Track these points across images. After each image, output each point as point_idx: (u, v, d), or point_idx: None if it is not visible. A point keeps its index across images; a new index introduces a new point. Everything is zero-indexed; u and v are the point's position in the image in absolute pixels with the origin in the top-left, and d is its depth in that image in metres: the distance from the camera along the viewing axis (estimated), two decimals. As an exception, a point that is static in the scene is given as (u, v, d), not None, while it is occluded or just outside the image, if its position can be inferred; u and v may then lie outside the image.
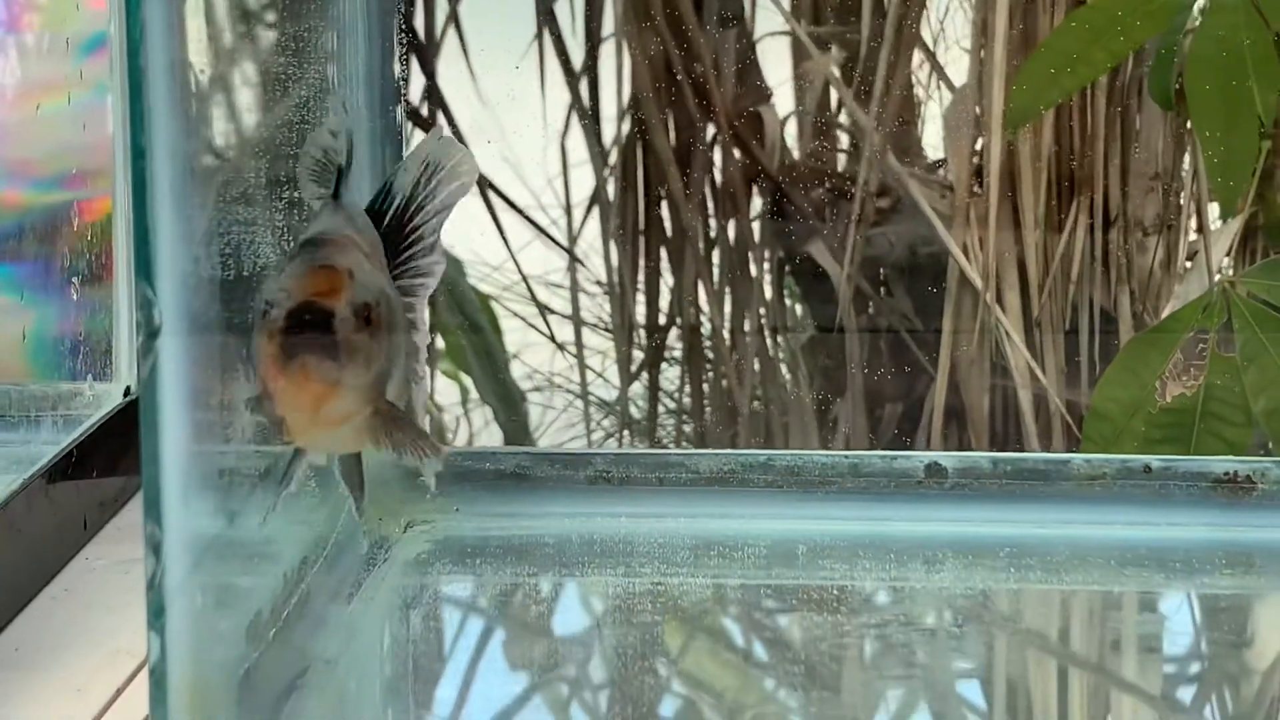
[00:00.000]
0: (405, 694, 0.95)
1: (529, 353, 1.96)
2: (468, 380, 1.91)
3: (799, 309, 2.00)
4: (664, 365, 2.01)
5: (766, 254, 1.96)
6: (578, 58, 1.85)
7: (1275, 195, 1.56)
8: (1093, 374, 1.75)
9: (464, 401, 1.95)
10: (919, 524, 1.13)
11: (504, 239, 1.81)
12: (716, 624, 1.02)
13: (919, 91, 2.04)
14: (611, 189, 1.90)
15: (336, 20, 1.06)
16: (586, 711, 0.91)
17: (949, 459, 1.15)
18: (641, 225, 1.90)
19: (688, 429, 2.02)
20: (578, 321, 1.92)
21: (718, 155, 1.90)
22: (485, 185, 1.83)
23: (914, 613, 1.01)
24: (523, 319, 1.92)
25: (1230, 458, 1.17)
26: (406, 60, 1.78)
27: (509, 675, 0.96)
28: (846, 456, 1.16)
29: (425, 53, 1.78)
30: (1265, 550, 1.11)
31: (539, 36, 1.82)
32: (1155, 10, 1.58)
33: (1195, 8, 1.58)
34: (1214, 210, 1.89)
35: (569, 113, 1.85)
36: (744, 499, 1.15)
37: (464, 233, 1.83)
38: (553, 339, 1.90)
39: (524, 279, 1.83)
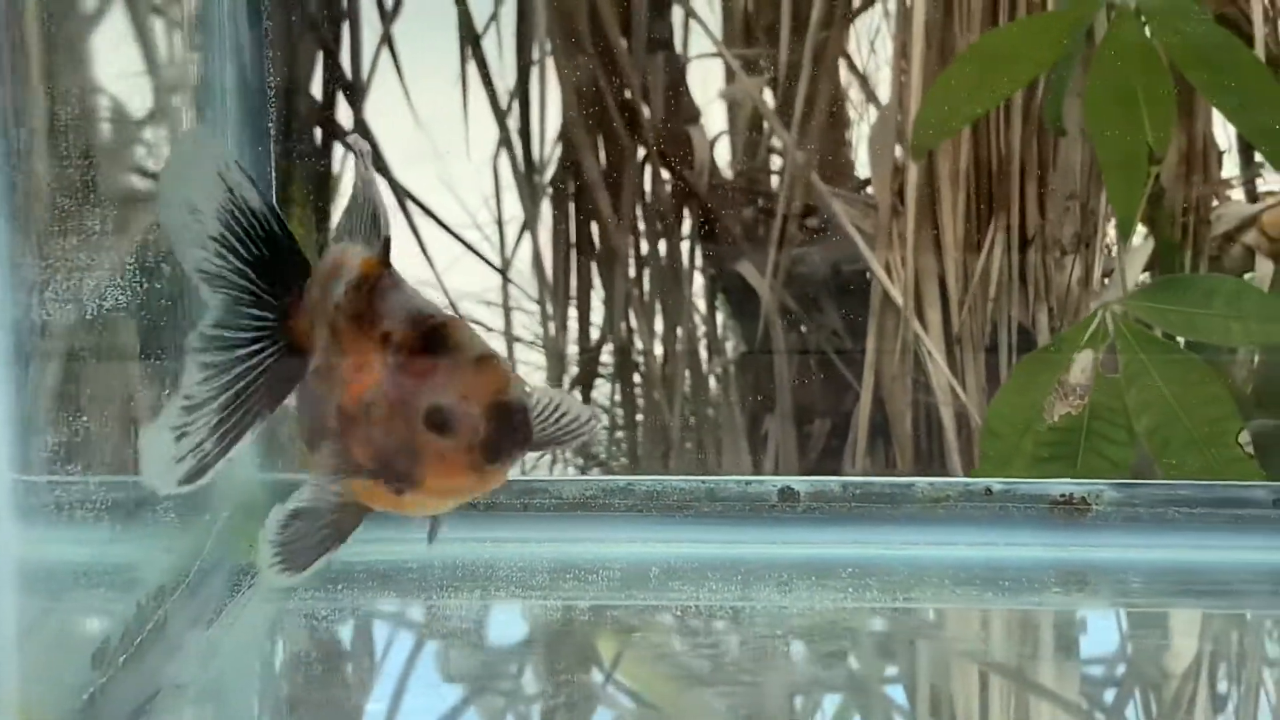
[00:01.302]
0: (254, 716, 0.99)
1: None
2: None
3: (729, 327, 2.04)
4: (597, 381, 2.05)
5: (696, 272, 2.00)
6: (508, 82, 1.89)
7: (1163, 218, 1.59)
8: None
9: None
10: (771, 546, 1.17)
11: (427, 257, 1.85)
12: (564, 644, 1.05)
13: (850, 112, 2.08)
14: (545, 209, 1.95)
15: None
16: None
17: (802, 484, 1.19)
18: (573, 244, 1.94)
19: (622, 443, 2.07)
20: (509, 338, 1.96)
21: (647, 176, 1.94)
22: (419, 206, 1.87)
23: (752, 632, 1.04)
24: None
25: (1067, 480, 1.21)
26: (333, 88, 1.83)
27: (356, 695, 1.00)
28: (704, 481, 1.20)
29: (354, 81, 1.82)
30: (1098, 569, 1.15)
31: (469, 60, 1.86)
32: (1052, 40, 1.61)
33: (1094, 33, 1.61)
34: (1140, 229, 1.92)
35: (499, 135, 1.89)
36: (604, 523, 1.19)
37: (400, 250, 1.87)
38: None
39: (445, 293, 1.87)
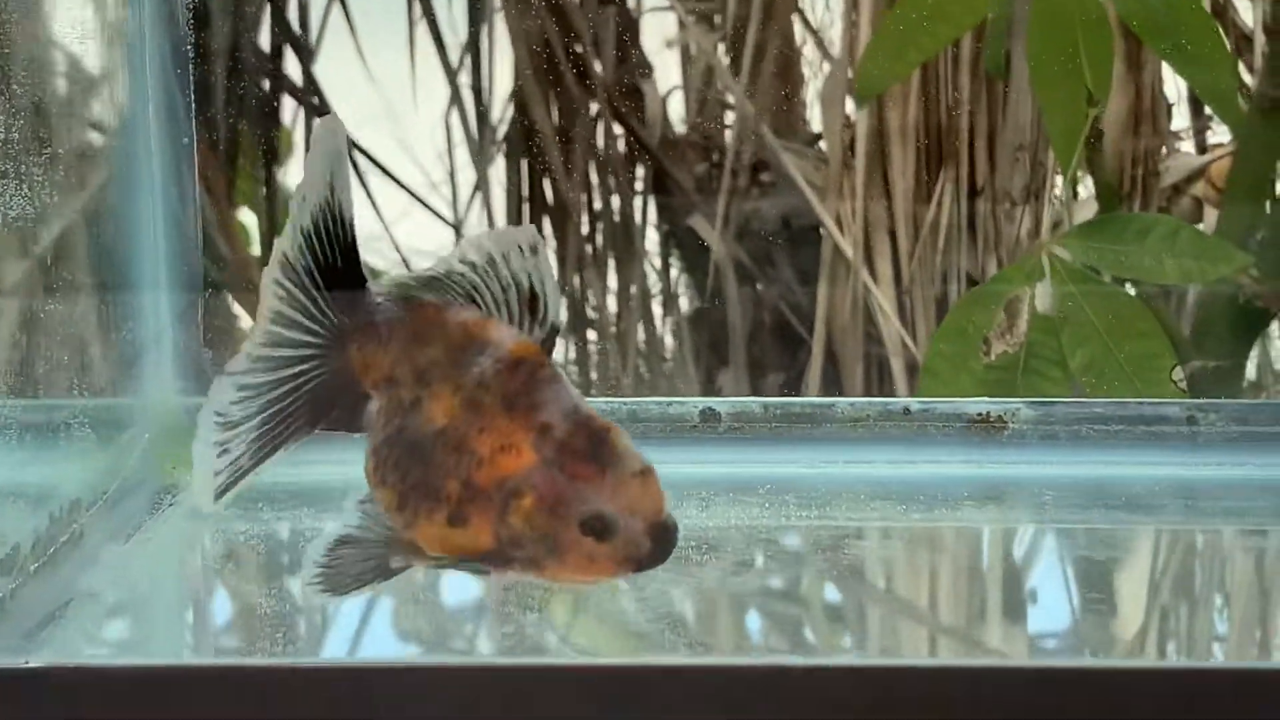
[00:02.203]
0: (165, 625, 0.99)
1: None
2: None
3: (682, 280, 2.05)
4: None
5: (649, 226, 2.00)
6: (460, 36, 1.90)
7: (1102, 161, 1.60)
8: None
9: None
10: (692, 466, 1.17)
11: (377, 211, 1.86)
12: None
13: (803, 67, 2.09)
14: (500, 165, 1.95)
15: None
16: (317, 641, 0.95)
17: (723, 404, 1.19)
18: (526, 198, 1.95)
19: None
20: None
21: (600, 130, 1.94)
22: (371, 161, 1.88)
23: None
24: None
25: (984, 399, 1.22)
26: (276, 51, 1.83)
27: (268, 608, 1.00)
28: (625, 403, 1.20)
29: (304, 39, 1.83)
30: (1013, 484, 1.16)
31: (422, 17, 1.87)
32: (992, -17, 1.62)
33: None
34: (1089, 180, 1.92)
35: (450, 92, 1.90)
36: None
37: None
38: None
39: (395, 246, 1.88)
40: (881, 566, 1.04)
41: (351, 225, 0.71)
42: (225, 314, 1.62)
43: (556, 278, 0.71)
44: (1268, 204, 1.59)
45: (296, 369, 0.73)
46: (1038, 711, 0.76)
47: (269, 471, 1.21)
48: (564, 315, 0.70)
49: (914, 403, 1.19)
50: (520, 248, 0.70)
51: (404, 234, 1.93)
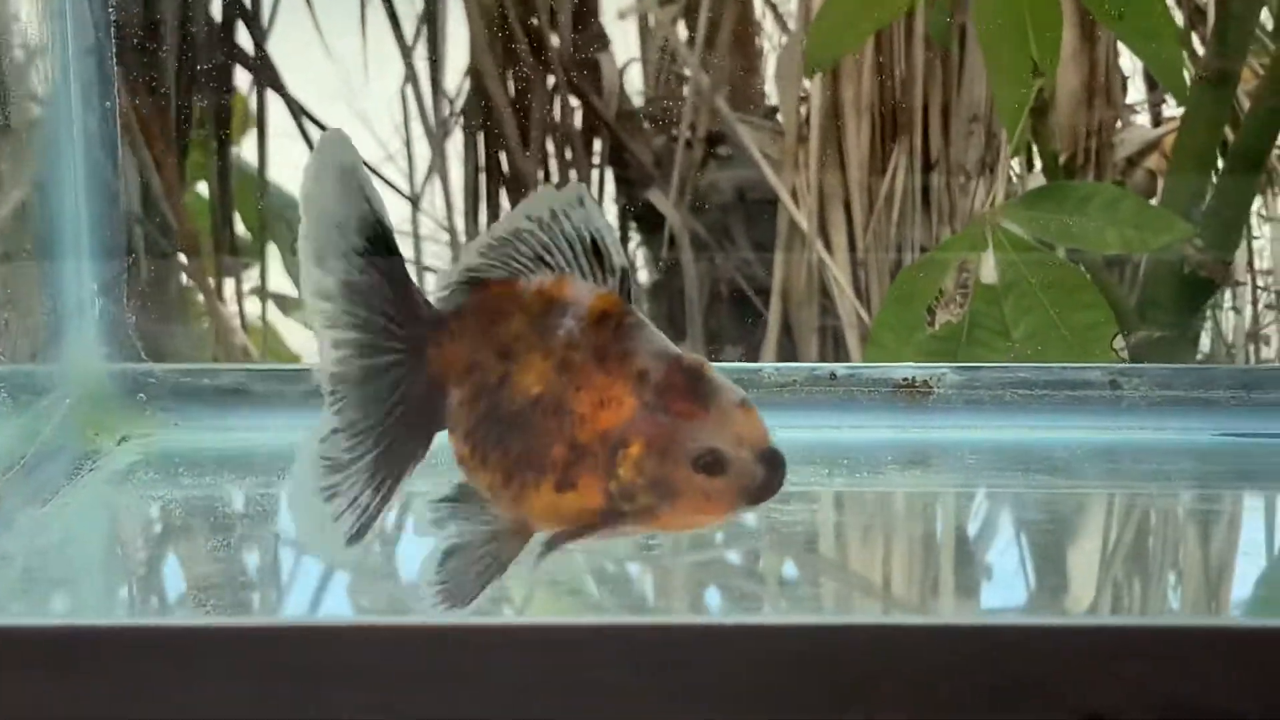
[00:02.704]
0: (79, 587, 0.99)
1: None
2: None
3: (640, 253, 2.05)
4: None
5: (606, 198, 2.00)
6: (417, 7, 1.89)
7: (1047, 132, 1.60)
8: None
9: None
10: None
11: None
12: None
13: (761, 40, 2.09)
14: (458, 139, 1.95)
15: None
16: (237, 604, 0.95)
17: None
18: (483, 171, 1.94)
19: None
20: (420, 267, 1.97)
21: (557, 103, 1.94)
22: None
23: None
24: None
25: (909, 364, 1.21)
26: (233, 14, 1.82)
27: (182, 570, 1.00)
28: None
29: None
30: (938, 449, 1.15)
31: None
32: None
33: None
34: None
35: (405, 66, 1.90)
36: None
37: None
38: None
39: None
40: (804, 531, 1.04)
41: (391, 233, 0.70)
42: (164, 281, 1.62)
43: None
44: (1213, 175, 1.59)
45: (388, 390, 0.72)
46: (950, 669, 0.75)
47: (191, 437, 1.21)
48: (625, 261, 0.70)
49: (840, 368, 1.18)
50: (572, 203, 0.71)
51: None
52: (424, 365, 0.73)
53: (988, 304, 1.51)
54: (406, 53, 1.89)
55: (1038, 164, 1.83)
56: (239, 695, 0.72)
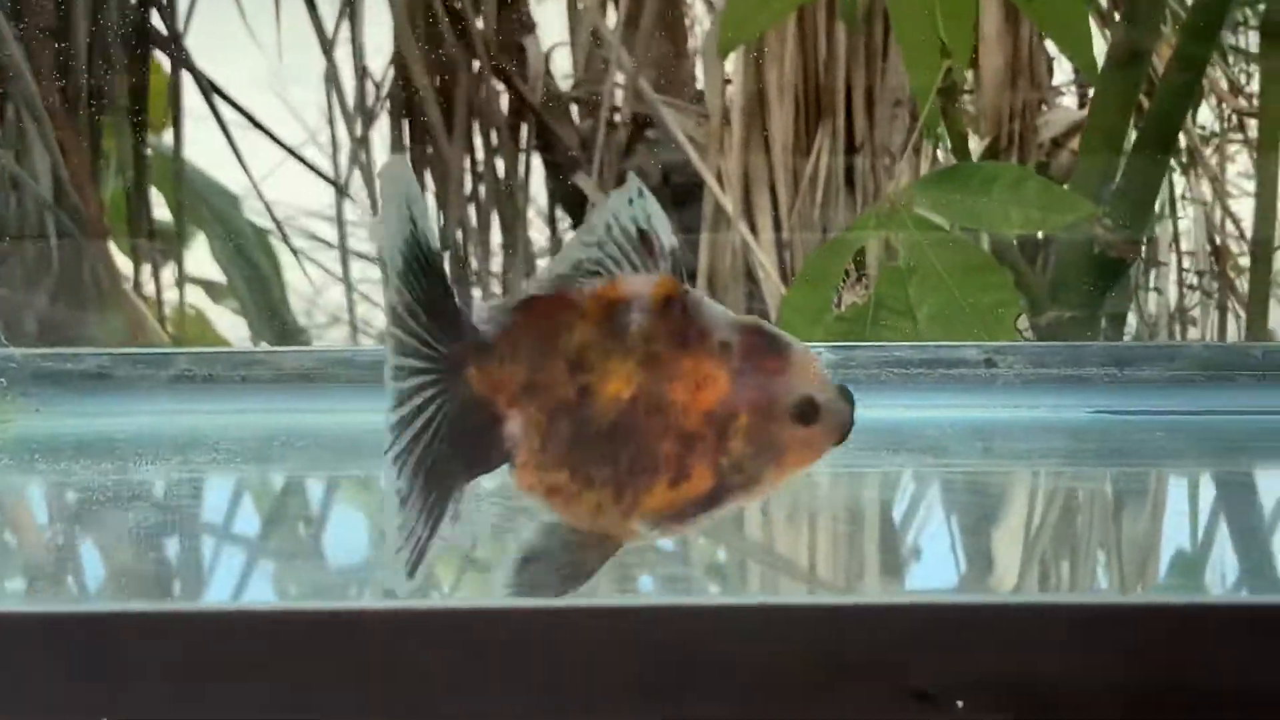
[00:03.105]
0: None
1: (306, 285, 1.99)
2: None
3: (568, 237, 2.04)
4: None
5: (531, 184, 1.99)
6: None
7: (956, 112, 1.59)
8: (842, 297, 1.77)
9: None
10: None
11: (245, 169, 1.84)
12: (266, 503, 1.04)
13: (689, 25, 2.08)
14: (384, 124, 1.94)
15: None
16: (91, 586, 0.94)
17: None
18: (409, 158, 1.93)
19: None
20: (344, 251, 1.96)
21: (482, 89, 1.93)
22: (253, 123, 1.86)
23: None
24: (296, 253, 1.96)
25: (812, 343, 1.20)
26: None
27: (32, 557, 0.99)
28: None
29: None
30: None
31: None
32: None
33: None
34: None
35: (328, 54, 1.89)
36: (326, 394, 1.18)
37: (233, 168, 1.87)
38: (302, 267, 1.93)
39: (267, 207, 1.87)
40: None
41: (435, 256, 0.67)
42: (51, 265, 1.60)
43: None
44: (1122, 155, 1.58)
45: (428, 415, 0.69)
46: (778, 649, 0.74)
47: (47, 424, 1.20)
48: (675, 240, 0.69)
49: (718, 346, 1.17)
50: (621, 201, 0.70)
51: (288, 193, 1.92)
52: (465, 388, 0.70)
53: (893, 285, 1.50)
54: (325, 45, 1.88)
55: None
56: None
